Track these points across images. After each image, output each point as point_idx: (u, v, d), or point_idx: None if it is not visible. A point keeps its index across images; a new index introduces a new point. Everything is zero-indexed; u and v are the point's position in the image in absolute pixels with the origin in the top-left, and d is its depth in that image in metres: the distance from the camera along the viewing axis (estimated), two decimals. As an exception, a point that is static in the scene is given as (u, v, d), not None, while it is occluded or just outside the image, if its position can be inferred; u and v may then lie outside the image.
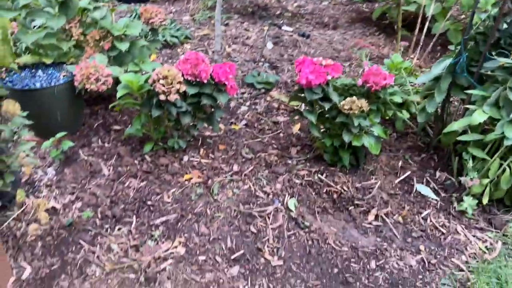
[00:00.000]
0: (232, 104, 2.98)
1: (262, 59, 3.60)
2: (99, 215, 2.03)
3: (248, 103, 3.01)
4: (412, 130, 2.71)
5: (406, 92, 2.60)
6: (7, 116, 1.44)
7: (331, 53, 3.80)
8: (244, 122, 2.79)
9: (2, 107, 1.42)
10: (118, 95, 2.11)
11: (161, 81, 1.98)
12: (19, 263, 1.80)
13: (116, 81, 2.28)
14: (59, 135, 2.22)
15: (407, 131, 2.72)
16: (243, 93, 3.12)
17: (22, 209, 2.02)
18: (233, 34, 4.08)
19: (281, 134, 2.69)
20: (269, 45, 3.84)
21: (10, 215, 1.98)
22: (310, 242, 1.96)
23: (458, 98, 2.41)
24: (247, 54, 3.71)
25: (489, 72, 2.07)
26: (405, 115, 2.55)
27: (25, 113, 1.98)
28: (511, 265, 1.86)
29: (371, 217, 2.09)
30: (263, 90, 3.14)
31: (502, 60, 1.88)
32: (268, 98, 3.08)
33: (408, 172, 2.35)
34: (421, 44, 3.22)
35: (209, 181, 2.26)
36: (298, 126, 2.71)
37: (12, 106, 1.42)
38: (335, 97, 2.10)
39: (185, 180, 2.25)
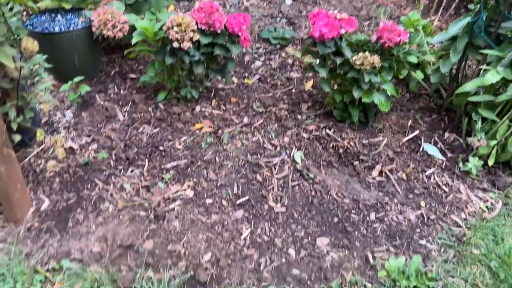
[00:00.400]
0: (247, 58, 2.99)
1: (280, 15, 3.56)
2: (114, 157, 2.13)
3: (262, 58, 3.02)
4: (425, 92, 2.70)
5: (423, 53, 2.57)
6: (26, 53, 1.50)
7: (351, 11, 3.72)
8: (257, 76, 2.81)
9: (21, 44, 1.48)
10: (133, 41, 2.15)
11: (175, 28, 2.01)
12: (38, 195, 1.92)
13: (132, 29, 2.32)
14: (77, 79, 2.30)
15: (421, 92, 2.70)
16: (258, 48, 3.12)
17: (41, 147, 2.13)
18: (252, -12, 4.01)
19: (293, 90, 2.71)
20: (288, 1, 3.77)
21: (30, 152, 2.09)
22: (313, 193, 2.03)
23: (474, 59, 2.37)
24: (265, 9, 3.67)
25: (508, 32, 2.02)
26: (419, 75, 2.53)
27: (44, 56, 2.05)
28: (509, 224, 1.90)
29: (375, 172, 2.13)
30: (278, 46, 3.13)
31: (521, 19, 1.84)
32: (283, 54, 3.07)
33: (417, 132, 2.36)
34: (443, 4, 3.12)
35: (219, 131, 2.32)
36: (310, 83, 2.72)
37: (31, 44, 1.48)
38: (347, 52, 2.10)
39: (196, 129, 2.32)
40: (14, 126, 1.65)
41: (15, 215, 1.78)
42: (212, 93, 2.60)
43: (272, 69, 2.90)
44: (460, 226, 1.90)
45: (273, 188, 2.04)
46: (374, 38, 2.15)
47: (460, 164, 2.17)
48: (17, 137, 1.64)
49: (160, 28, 2.16)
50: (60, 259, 1.67)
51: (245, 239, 1.81)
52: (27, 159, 2.06)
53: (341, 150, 2.22)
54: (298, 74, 2.85)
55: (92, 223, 1.83)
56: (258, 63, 2.96)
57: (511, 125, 2.02)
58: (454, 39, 2.24)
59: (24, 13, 2.58)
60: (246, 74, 2.84)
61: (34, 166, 2.05)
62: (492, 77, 1.94)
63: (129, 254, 1.70)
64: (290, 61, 3.00)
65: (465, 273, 1.69)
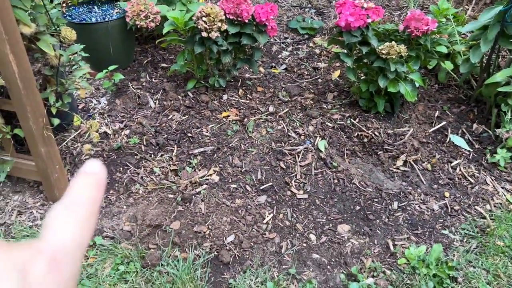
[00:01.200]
0: (274, 48, 3.03)
1: (309, 5, 3.57)
2: (144, 142, 2.23)
3: (290, 48, 3.05)
4: (455, 83, 2.65)
5: (453, 43, 2.52)
6: (65, 42, 1.60)
7: (382, 1, 3.68)
8: (284, 66, 2.85)
9: (61, 33, 1.58)
10: (164, 30, 2.23)
11: (204, 18, 2.07)
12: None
13: (164, 20, 2.41)
14: (111, 67, 2.41)
15: (450, 83, 2.66)
16: (286, 38, 3.15)
17: (78, 131, 2.26)
18: (282, -21, 4.03)
19: (320, 80, 2.73)
20: (318, -9, 3.76)
21: (68, 136, 2.23)
22: (336, 181, 2.06)
23: (506, 49, 2.31)
24: (294, -1, 3.68)
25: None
26: (448, 66, 2.49)
27: (82, 46, 2.17)
28: (536, 217, 1.87)
29: (399, 162, 2.13)
30: (306, 36, 3.15)
31: (555, 7, 1.79)
32: (311, 44, 3.09)
33: (444, 122, 2.34)
34: (478, -7, 3.04)
35: (245, 120, 2.38)
36: (337, 73, 2.73)
37: (69, 33, 1.58)
38: (374, 41, 2.10)
39: (223, 117, 2.39)
40: (54, 111, 1.77)
41: (53, 194, 1.91)
42: (239, 83, 2.66)
43: (299, 59, 2.93)
44: (484, 218, 1.88)
45: (296, 175, 2.09)
46: (401, 27, 2.14)
47: (488, 156, 2.13)
48: (56, 121, 1.76)
49: (190, 18, 2.23)
50: (93, 236, 1.79)
51: (267, 223, 1.87)
52: (65, 143, 2.20)
53: (365, 140, 2.23)
54: (325, 64, 2.86)
55: (123, 204, 1.94)
56: (285, 53, 2.99)
57: (542, 116, 1.97)
58: (485, 28, 2.20)
59: (64, 4, 2.72)
60: (273, 64, 2.88)
61: (71, 149, 2.18)
62: (523, 67, 1.90)
63: (157, 234, 1.79)
64: (317, 51, 3.01)
65: (487, 263, 1.68)
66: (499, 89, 2.04)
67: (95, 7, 2.60)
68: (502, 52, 2.73)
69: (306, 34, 3.15)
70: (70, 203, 0.31)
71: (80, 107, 2.45)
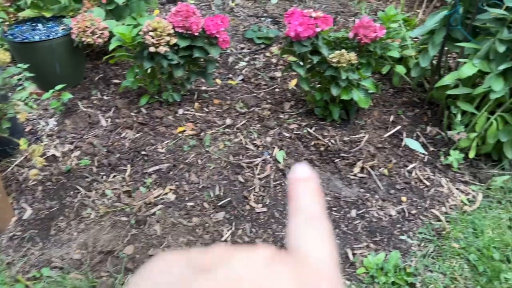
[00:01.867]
0: (231, 59, 3.00)
1: (265, 14, 3.56)
2: (96, 163, 2.15)
3: (247, 59, 3.02)
4: (409, 86, 2.69)
5: (405, 47, 2.56)
6: (-2, 64, 1.52)
7: (337, 8, 3.72)
8: (241, 77, 2.82)
9: (-8, 56, 1.49)
10: (111, 46, 2.16)
11: (151, 33, 2.02)
12: (21, 205, 1.94)
13: (113, 35, 2.33)
14: (58, 87, 2.31)
15: (404, 87, 2.70)
16: (242, 48, 3.13)
17: (24, 156, 2.15)
18: (238, -12, 4.02)
19: (277, 90, 2.71)
20: (273, 0, 3.77)
21: (13, 162, 2.11)
22: (294, 192, 2.03)
23: (453, 52, 2.36)
24: (250, 9, 3.67)
25: (483, 24, 2.02)
26: (401, 70, 2.52)
27: (25, 65, 2.07)
28: (489, 216, 1.90)
29: (356, 169, 2.13)
30: (263, 46, 3.14)
31: (494, 11, 1.83)
32: (268, 54, 3.08)
33: (399, 127, 2.36)
34: (427, -3, 3.12)
35: (202, 134, 2.33)
36: (294, 82, 2.72)
37: (2, 55, 1.49)
38: (324, 50, 2.10)
39: (179, 132, 2.33)
40: (-9, 137, 1.66)
41: (-4, 225, 1.80)
42: (195, 96, 2.61)
43: (256, 69, 2.91)
44: (440, 220, 1.90)
45: (254, 188, 2.05)
46: (351, 35, 2.16)
47: (442, 158, 2.17)
48: (-6, 148, 1.66)
49: (138, 33, 2.17)
50: (41, 268, 1.69)
51: (226, 240, 1.82)
52: (9, 169, 2.08)
53: (322, 148, 2.22)
54: (282, 74, 2.85)
55: (74, 230, 1.84)
56: (242, 63, 2.97)
57: (490, 117, 2.02)
58: (432, 32, 2.24)
59: (7, 23, 2.60)
60: (230, 75, 2.85)
61: (17, 176, 2.07)
62: (468, 69, 1.94)
63: (109, 260, 1.71)
64: (274, 60, 3.00)
65: (444, 267, 1.69)
66: (448, 92, 2.08)
67: (39, 24, 2.50)
68: (453, 54, 2.79)
69: (262, 43, 3.14)
70: (311, 217, 0.28)
71: (27, 130, 2.33)
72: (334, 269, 0.27)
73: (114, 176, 2.08)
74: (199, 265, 0.25)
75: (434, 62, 2.36)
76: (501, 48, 1.84)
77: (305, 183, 0.30)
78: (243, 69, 2.90)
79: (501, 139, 1.99)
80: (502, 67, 1.87)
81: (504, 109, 2.00)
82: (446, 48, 2.25)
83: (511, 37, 1.83)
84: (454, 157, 2.09)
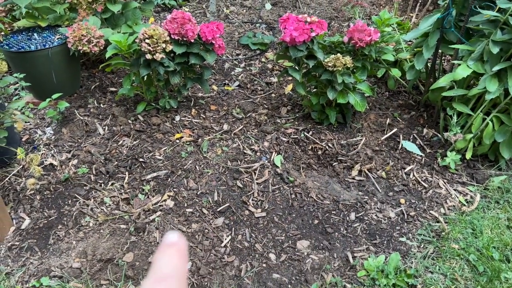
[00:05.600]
0: (227, 65, 3.01)
1: (260, 20, 3.59)
2: (94, 171, 2.14)
3: (242, 65, 3.04)
4: (404, 89, 2.71)
5: (399, 50, 2.58)
6: (-5, 74, 1.51)
7: (331, 13, 3.75)
8: (237, 83, 2.83)
9: (-11, 66, 1.49)
10: (107, 55, 2.16)
11: (147, 40, 2.03)
12: (19, 214, 1.93)
13: (108, 43, 2.34)
14: (54, 96, 2.31)
15: (400, 90, 2.72)
16: (238, 55, 3.14)
17: (22, 166, 2.14)
18: (232, -5, 4.05)
19: (273, 95, 2.72)
20: (268, 6, 3.80)
21: (11, 171, 2.10)
22: (293, 196, 2.04)
23: (448, 54, 2.38)
24: (244, 15, 3.69)
25: (476, 26, 2.04)
26: (396, 73, 2.54)
27: (21, 75, 2.07)
28: (488, 216, 1.91)
29: (354, 172, 2.14)
30: (258, 51, 3.15)
31: (486, 13, 1.86)
32: (263, 59, 3.09)
33: (395, 129, 2.37)
34: (420, 0, 3.15)
35: (199, 140, 2.33)
36: (290, 86, 2.73)
37: (-2, 65, 1.49)
38: (320, 54, 2.11)
39: (176, 138, 2.33)
40: (-13, 147, 1.66)
41: (-6, 235, 1.78)
42: (192, 102, 2.62)
43: (252, 75, 2.92)
44: (439, 222, 1.90)
45: (253, 193, 2.05)
46: (346, 39, 2.17)
47: (439, 159, 2.18)
48: (-9, 158, 1.65)
49: (134, 41, 2.18)
50: (40, 277, 1.67)
51: (225, 246, 1.81)
52: (7, 178, 2.07)
53: (320, 152, 2.23)
54: (278, 79, 2.86)
55: (72, 239, 1.83)
56: (238, 69, 2.98)
57: (485, 118, 2.03)
58: (426, 35, 2.26)
59: (2, 33, 2.60)
60: (226, 81, 2.86)
61: (15, 185, 2.06)
62: (463, 71, 1.96)
63: (109, 268, 1.70)
64: (270, 66, 3.02)
65: (444, 268, 1.70)
66: (444, 94, 2.09)
67: (35, 34, 2.50)
68: (448, 56, 2.82)
69: (257, 49, 3.15)
70: (160, 278, 0.32)
71: (24, 139, 2.32)
72: None
73: (112, 184, 2.08)
74: None
75: (429, 64, 2.38)
76: (495, 49, 1.85)
77: (168, 248, 0.34)
78: (239, 75, 2.91)
79: (497, 140, 2.00)
80: (496, 68, 1.89)
81: (499, 109, 2.02)
82: (440, 51, 2.27)
83: (504, 38, 1.85)
84: (451, 158, 2.11)
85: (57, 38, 2.46)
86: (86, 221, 1.90)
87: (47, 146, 2.28)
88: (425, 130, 2.37)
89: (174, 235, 0.35)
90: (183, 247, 0.35)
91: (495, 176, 2.09)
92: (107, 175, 2.13)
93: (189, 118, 2.48)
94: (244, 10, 3.77)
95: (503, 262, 1.69)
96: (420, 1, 3.14)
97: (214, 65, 2.99)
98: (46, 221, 1.91)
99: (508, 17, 1.82)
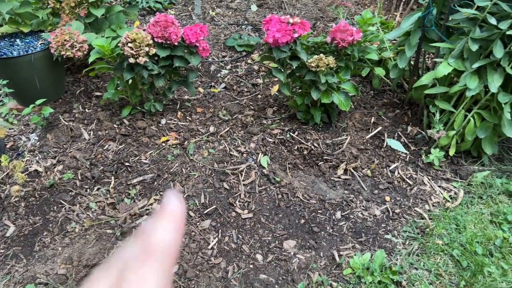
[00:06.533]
0: (213, 67, 3.01)
1: (246, 22, 3.59)
2: (79, 177, 2.13)
3: (228, 67, 3.04)
4: (389, 88, 2.74)
5: (383, 49, 2.61)
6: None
7: (316, 13, 3.77)
8: (223, 85, 2.83)
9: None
10: (90, 59, 2.16)
11: (130, 44, 2.02)
12: (4, 222, 1.91)
13: (92, 48, 2.33)
14: (39, 101, 2.29)
15: (384, 88, 2.74)
16: (224, 57, 3.14)
17: (6, 173, 2.12)
18: (218, -3, 4.05)
19: (259, 96, 2.73)
20: (253, 7, 3.81)
21: (-6, 179, 2.08)
22: (280, 196, 2.05)
23: (430, 52, 2.41)
24: (230, 17, 3.70)
25: (456, 25, 2.07)
26: (380, 72, 2.56)
27: (4, 81, 2.05)
28: (471, 212, 1.93)
29: (340, 171, 2.15)
30: (244, 53, 3.16)
31: (465, 11, 1.88)
32: (249, 61, 3.10)
33: (380, 128, 2.40)
34: (403, 0, 3.18)
35: (186, 143, 2.33)
36: (276, 87, 2.74)
37: (-23, 72, 1.48)
38: (303, 55, 2.13)
39: (162, 142, 2.33)
40: (-31, 155, 1.64)
41: (-22, 244, 1.77)
42: (178, 105, 2.61)
43: (238, 77, 2.92)
44: (424, 218, 1.92)
45: (240, 195, 2.05)
46: (328, 39, 2.19)
47: (423, 157, 2.20)
48: (-28, 166, 1.64)
49: (117, 45, 2.17)
50: (25, 284, 1.66)
51: (212, 248, 1.82)
52: (-9, 186, 2.05)
53: (305, 152, 2.24)
54: (263, 80, 2.87)
55: (58, 245, 1.82)
56: (224, 71, 2.98)
57: (467, 114, 2.06)
58: (408, 34, 2.29)
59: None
60: (213, 83, 2.86)
61: (-1, 192, 2.04)
62: (444, 69, 1.98)
63: (95, 273, 1.69)
64: (256, 67, 3.02)
65: (428, 264, 1.71)
66: (426, 92, 2.12)
67: (18, 40, 2.48)
68: (431, 54, 2.85)
69: (243, 51, 3.16)
70: (147, 250, 0.31)
71: (8, 146, 2.30)
72: None
73: (98, 189, 2.07)
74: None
75: (412, 62, 2.41)
76: (474, 47, 1.88)
77: (165, 216, 0.32)
78: (226, 77, 2.92)
79: (479, 136, 2.03)
80: (476, 65, 1.91)
81: (480, 106, 2.04)
82: (423, 49, 2.30)
83: (483, 36, 1.88)
84: (435, 155, 2.13)
85: (40, 44, 2.45)
86: (72, 227, 1.89)
87: (32, 153, 2.27)
88: (409, 128, 2.40)
89: (175, 200, 0.32)
90: (181, 217, 0.32)
91: (478, 171, 2.12)
92: (93, 180, 2.12)
93: (175, 121, 2.48)
94: (230, 12, 3.78)
95: (486, 256, 1.72)
96: (404, 0, 3.17)
97: (200, 67, 3.00)
98: (31, 228, 1.90)
99: (486, 15, 1.85)
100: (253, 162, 2.22)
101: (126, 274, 0.30)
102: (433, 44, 2.09)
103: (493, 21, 1.81)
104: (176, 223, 0.32)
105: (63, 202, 2.00)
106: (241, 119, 2.51)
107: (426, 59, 2.62)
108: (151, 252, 0.30)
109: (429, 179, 2.12)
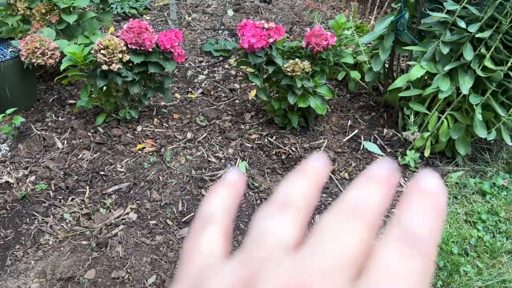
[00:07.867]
0: (189, 73, 2.99)
1: (222, 27, 3.59)
2: (53, 187, 2.07)
3: (205, 72, 3.03)
4: (365, 91, 2.77)
5: (358, 53, 2.64)
6: None
7: (292, 18, 3.80)
8: (200, 90, 2.81)
9: None
10: (62, 67, 2.11)
11: (102, 51, 1.99)
12: (-27, 236, 1.84)
13: (64, 55, 2.28)
14: (9, 111, 2.23)
15: (360, 91, 2.77)
16: (200, 62, 3.13)
17: (-25, 185, 2.05)
18: (194, 2, 4.03)
19: (237, 101, 2.72)
20: (230, 12, 3.81)
21: (-38, 192, 2.01)
22: (258, 201, 2.04)
23: (403, 55, 2.45)
24: (207, 22, 3.68)
25: (428, 28, 2.10)
26: (356, 75, 2.59)
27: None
28: (447, 212, 1.96)
29: (318, 175, 2.16)
30: (221, 58, 3.15)
31: (436, 15, 1.92)
32: (226, 66, 3.09)
33: (356, 131, 2.42)
34: (377, 3, 3.23)
35: (162, 150, 2.30)
36: (254, 92, 2.74)
37: None
38: (279, 60, 2.13)
39: (138, 149, 2.29)
40: None
41: None
42: (154, 111, 2.58)
43: (215, 82, 2.91)
44: (401, 219, 1.94)
45: (218, 201, 2.03)
46: (304, 44, 2.20)
47: (399, 158, 2.23)
48: None
49: (89, 52, 2.13)
50: (-4, 301, 1.60)
51: (191, 256, 1.79)
52: (-41, 199, 1.98)
53: (283, 156, 2.24)
54: (240, 85, 2.86)
55: (31, 259, 1.77)
56: (201, 77, 2.97)
57: (440, 116, 2.10)
58: (382, 37, 2.32)
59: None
60: (190, 89, 2.84)
61: (-32, 206, 1.97)
62: (417, 71, 2.01)
63: (70, 287, 1.65)
64: (233, 72, 3.02)
65: (406, 265, 1.73)
66: (400, 94, 2.15)
67: (-14, 47, 2.41)
68: (405, 57, 2.90)
69: (220, 56, 3.15)
70: (204, 220, 0.28)
71: (-23, 157, 2.23)
72: None
73: (72, 199, 2.02)
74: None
75: (387, 66, 2.44)
76: (445, 50, 1.92)
77: (224, 188, 0.29)
78: (203, 82, 2.90)
79: (452, 137, 2.07)
80: (447, 67, 1.95)
81: (453, 107, 2.08)
82: (396, 52, 2.33)
83: (453, 39, 1.92)
84: (411, 156, 2.16)
85: (10, 51, 2.38)
86: (45, 239, 1.84)
87: (2, 164, 2.20)
88: (385, 130, 2.43)
89: (236, 172, 0.30)
90: (240, 188, 0.30)
91: (452, 172, 2.16)
92: (67, 191, 2.06)
93: (151, 127, 2.45)
94: (206, 17, 3.76)
95: (462, 256, 1.74)
96: (378, 4, 3.22)
97: (177, 73, 2.97)
98: (2, 242, 1.83)
99: (456, 19, 1.89)
100: (231, 168, 2.20)
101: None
102: (406, 48, 2.12)
103: (462, 24, 1.85)
104: (236, 192, 0.30)
105: (36, 214, 1.94)
106: (219, 124, 2.49)
107: (401, 62, 2.66)
108: (206, 220, 0.28)
109: (405, 181, 2.14)
